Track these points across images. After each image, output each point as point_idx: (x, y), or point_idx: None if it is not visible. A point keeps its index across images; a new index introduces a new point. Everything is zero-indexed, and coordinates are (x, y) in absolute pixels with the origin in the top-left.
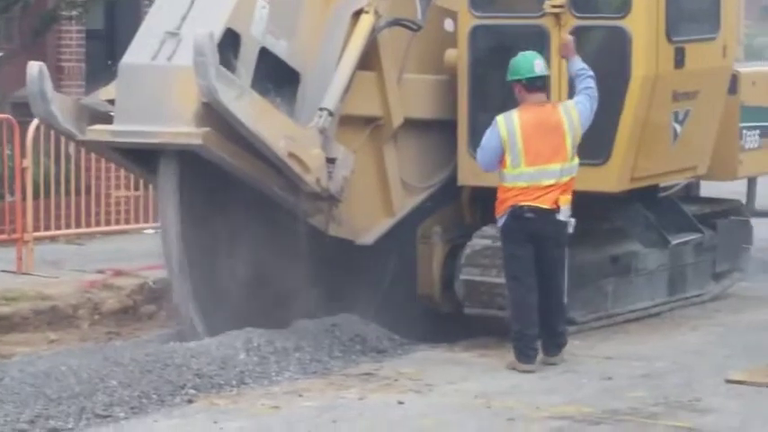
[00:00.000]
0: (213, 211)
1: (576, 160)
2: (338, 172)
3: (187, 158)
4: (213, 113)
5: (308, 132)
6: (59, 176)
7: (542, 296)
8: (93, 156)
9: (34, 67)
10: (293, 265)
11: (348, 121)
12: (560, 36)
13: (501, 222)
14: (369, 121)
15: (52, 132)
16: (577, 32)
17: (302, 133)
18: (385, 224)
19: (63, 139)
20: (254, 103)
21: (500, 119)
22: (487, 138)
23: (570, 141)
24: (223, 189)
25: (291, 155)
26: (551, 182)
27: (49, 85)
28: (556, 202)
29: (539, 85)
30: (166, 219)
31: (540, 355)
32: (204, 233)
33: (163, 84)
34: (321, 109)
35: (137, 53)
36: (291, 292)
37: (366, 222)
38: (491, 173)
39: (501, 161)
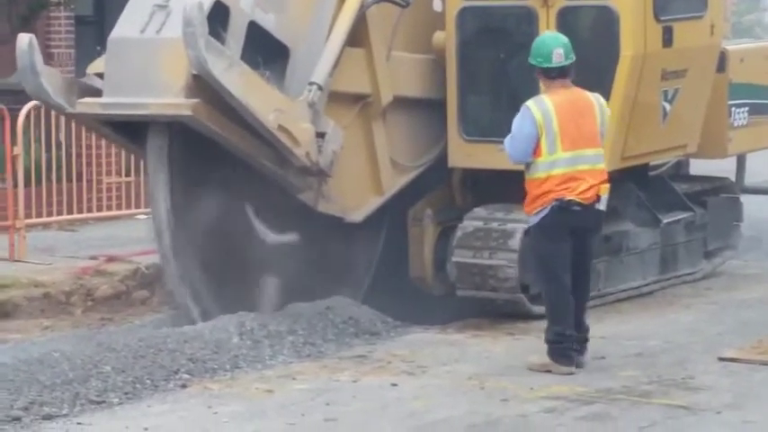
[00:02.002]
0: (203, 184)
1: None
2: (328, 146)
3: (176, 131)
4: (203, 85)
5: (297, 106)
6: (51, 163)
7: (575, 291)
8: (84, 142)
9: (24, 40)
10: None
11: (337, 98)
12: (548, 16)
13: (539, 217)
14: (358, 98)
15: (43, 119)
16: (565, 13)
17: (292, 106)
18: (374, 202)
19: (54, 126)
20: (243, 74)
21: (530, 103)
22: (518, 125)
23: (599, 129)
24: (212, 164)
25: (281, 128)
26: (586, 167)
27: (39, 59)
28: (597, 193)
29: (554, 75)
30: (156, 191)
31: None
32: (194, 206)
33: (152, 56)
34: (311, 83)
35: (126, 26)
36: (286, 266)
37: (355, 200)
38: (521, 163)
39: (536, 149)
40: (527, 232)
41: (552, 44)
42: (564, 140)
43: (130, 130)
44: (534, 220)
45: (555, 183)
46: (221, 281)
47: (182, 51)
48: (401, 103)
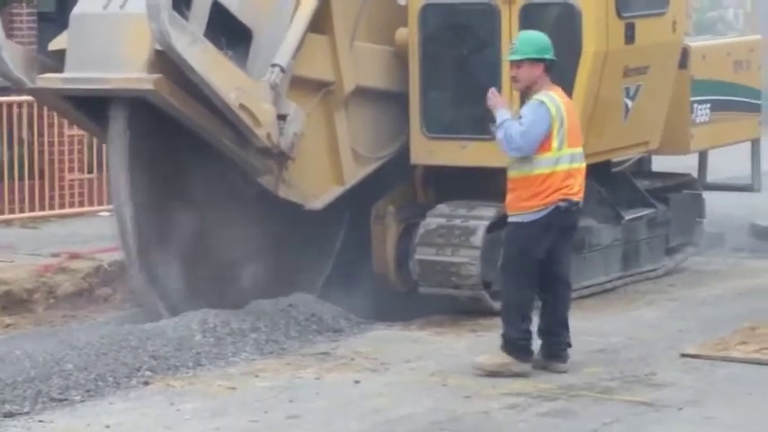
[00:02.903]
0: (163, 163)
1: None
2: (289, 128)
3: (138, 108)
4: (165, 61)
5: (259, 86)
6: (13, 160)
7: (554, 291)
8: (46, 139)
9: None
10: (243, 226)
11: (300, 84)
12: (510, 13)
13: (540, 215)
14: (320, 85)
15: (5, 116)
16: (527, 10)
17: (254, 86)
18: (335, 191)
19: (16, 124)
20: (206, 51)
21: (544, 98)
22: (534, 121)
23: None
24: (173, 144)
25: (242, 107)
26: (578, 165)
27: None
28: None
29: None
30: (116, 168)
31: (548, 363)
32: (154, 183)
33: (115, 32)
34: (273, 65)
35: (88, 2)
36: (241, 249)
37: (316, 188)
38: (524, 156)
39: (544, 145)
40: (489, 229)
41: (547, 38)
42: (570, 136)
43: (91, 107)
44: (531, 216)
45: (559, 179)
46: (183, 259)
47: (145, 27)
48: (364, 93)
